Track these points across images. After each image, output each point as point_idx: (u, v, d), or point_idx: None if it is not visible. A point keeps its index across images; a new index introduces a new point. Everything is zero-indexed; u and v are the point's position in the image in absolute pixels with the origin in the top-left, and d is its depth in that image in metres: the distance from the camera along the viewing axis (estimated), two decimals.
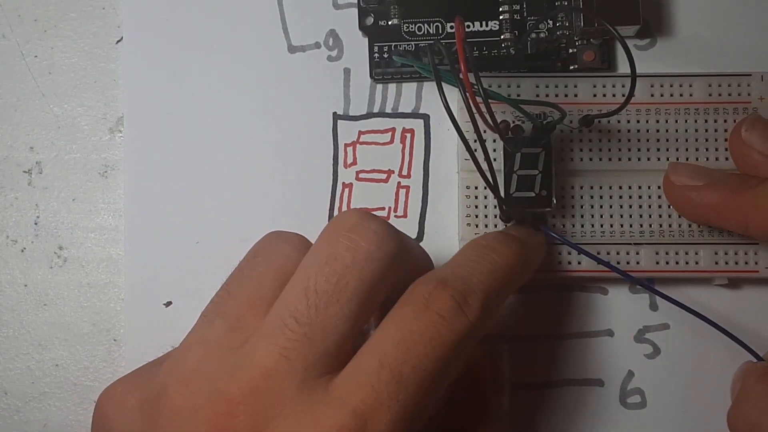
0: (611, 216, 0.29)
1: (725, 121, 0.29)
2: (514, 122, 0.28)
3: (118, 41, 0.31)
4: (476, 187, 0.29)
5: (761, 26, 0.30)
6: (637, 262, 0.29)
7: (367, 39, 0.30)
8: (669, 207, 0.29)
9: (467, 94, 0.24)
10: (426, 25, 0.30)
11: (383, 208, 0.30)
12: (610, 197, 0.29)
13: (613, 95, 0.29)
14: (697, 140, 0.29)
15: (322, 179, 0.30)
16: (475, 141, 0.25)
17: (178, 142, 0.30)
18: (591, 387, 0.29)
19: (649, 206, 0.29)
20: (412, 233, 0.30)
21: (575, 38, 0.30)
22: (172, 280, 0.30)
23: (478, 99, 0.24)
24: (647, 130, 0.29)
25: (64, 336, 0.30)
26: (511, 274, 0.25)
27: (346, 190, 0.30)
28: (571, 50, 0.30)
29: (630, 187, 0.29)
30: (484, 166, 0.25)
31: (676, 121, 0.29)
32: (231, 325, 0.24)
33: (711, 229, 0.28)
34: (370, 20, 0.30)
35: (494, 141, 0.28)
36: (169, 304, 0.30)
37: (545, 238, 0.28)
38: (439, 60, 0.27)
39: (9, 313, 0.30)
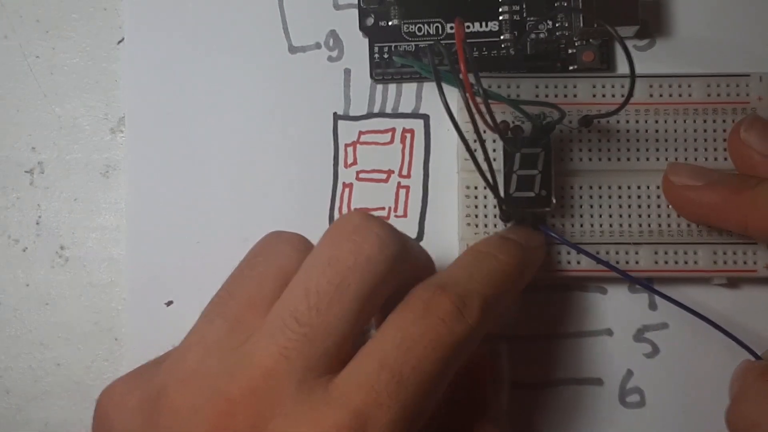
0: (610, 216, 0.29)
1: (724, 121, 0.29)
2: (513, 122, 0.28)
3: (120, 42, 0.31)
4: (476, 187, 0.29)
5: (760, 26, 0.30)
6: (636, 262, 0.29)
7: (367, 39, 0.30)
8: (668, 207, 0.29)
9: (467, 95, 0.24)
10: (426, 26, 0.30)
11: (383, 208, 0.30)
12: (610, 197, 0.29)
13: (613, 95, 0.29)
14: (696, 140, 0.29)
15: (322, 179, 0.30)
16: (475, 141, 0.25)
17: (180, 143, 0.30)
18: (590, 386, 0.29)
19: (649, 206, 0.29)
20: (412, 233, 0.30)
21: (574, 39, 0.30)
22: (173, 280, 0.30)
23: (478, 99, 0.24)
24: (646, 131, 0.29)
25: (66, 335, 0.30)
26: (510, 279, 0.25)
27: (347, 190, 0.30)
28: (570, 51, 0.30)
29: (629, 187, 0.29)
30: (484, 166, 0.25)
31: (675, 122, 0.29)
32: (231, 325, 0.24)
33: (710, 228, 0.28)
34: (370, 21, 0.30)
35: (494, 141, 0.28)
36: (170, 303, 0.30)
37: (545, 238, 0.28)
38: (439, 60, 0.27)
39: (11, 313, 0.30)
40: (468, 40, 0.30)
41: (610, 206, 0.29)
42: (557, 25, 0.30)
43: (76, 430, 0.30)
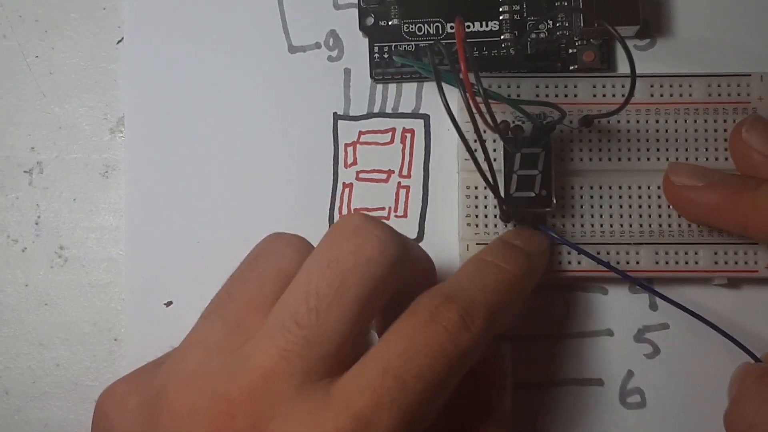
0: (611, 216, 0.29)
1: (725, 121, 0.29)
2: (514, 122, 0.28)
3: (119, 42, 0.31)
4: (476, 187, 0.29)
5: (761, 26, 0.30)
6: (637, 262, 0.29)
7: (367, 39, 0.30)
8: (669, 207, 0.29)
9: (467, 94, 0.24)
10: (426, 26, 0.30)
11: (383, 208, 0.30)
12: (610, 197, 0.29)
13: (613, 95, 0.29)
14: (696, 140, 0.29)
15: (322, 179, 0.30)
16: (475, 141, 0.25)
17: (179, 143, 0.30)
18: (591, 387, 0.29)
19: (649, 206, 0.29)
20: (412, 233, 0.30)
21: (575, 38, 0.30)
22: (172, 280, 0.30)
23: (478, 99, 0.24)
24: (647, 131, 0.29)
25: (65, 336, 0.30)
26: (515, 289, 0.25)
27: (347, 190, 0.30)
28: (570, 50, 0.30)
29: (630, 187, 0.29)
30: (484, 166, 0.25)
31: (676, 122, 0.29)
32: (231, 327, 0.24)
33: (710, 229, 0.28)
34: (370, 20, 0.30)
35: (494, 141, 0.28)
36: (169, 304, 0.30)
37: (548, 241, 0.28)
38: (439, 60, 0.27)
39: (10, 313, 0.30)
40: (468, 40, 0.30)
41: (610, 206, 0.29)
42: (558, 24, 0.30)
43: (76, 430, 0.30)
